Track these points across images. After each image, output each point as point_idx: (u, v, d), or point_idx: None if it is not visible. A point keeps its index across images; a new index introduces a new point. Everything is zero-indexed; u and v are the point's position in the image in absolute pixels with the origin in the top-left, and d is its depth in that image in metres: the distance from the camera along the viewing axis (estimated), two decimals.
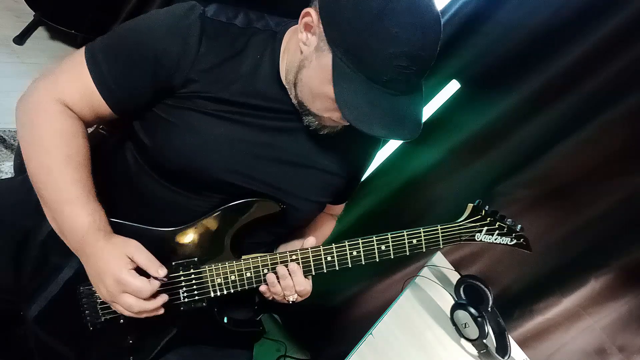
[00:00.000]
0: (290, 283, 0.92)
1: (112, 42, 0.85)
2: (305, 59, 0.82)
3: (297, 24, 0.83)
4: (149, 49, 0.82)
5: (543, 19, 1.36)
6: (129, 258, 0.82)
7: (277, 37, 0.89)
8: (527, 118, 1.45)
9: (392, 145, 1.68)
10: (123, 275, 0.80)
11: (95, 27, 2.16)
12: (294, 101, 0.87)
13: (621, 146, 1.34)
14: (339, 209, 1.21)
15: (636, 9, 1.23)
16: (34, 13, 2.18)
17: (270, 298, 0.96)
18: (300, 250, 0.92)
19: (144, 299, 0.81)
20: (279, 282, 0.92)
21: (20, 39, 2.21)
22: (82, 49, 0.85)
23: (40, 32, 2.32)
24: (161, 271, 0.83)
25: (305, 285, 0.93)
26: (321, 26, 0.77)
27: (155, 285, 0.82)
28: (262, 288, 0.94)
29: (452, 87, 1.54)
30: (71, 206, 0.81)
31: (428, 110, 1.59)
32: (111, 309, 0.86)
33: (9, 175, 1.71)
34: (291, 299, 0.94)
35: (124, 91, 0.84)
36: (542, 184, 1.47)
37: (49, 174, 0.82)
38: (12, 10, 2.31)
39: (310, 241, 0.93)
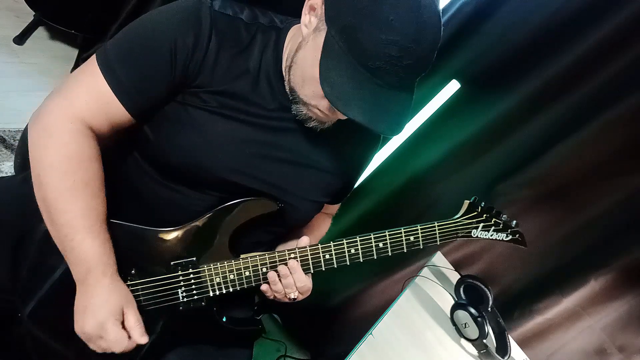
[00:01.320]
0: (291, 281, 0.92)
1: (124, 46, 0.83)
2: (304, 40, 0.82)
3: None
4: (164, 44, 0.80)
5: (543, 18, 1.36)
6: (122, 311, 0.83)
7: (282, 33, 0.89)
8: (527, 118, 1.45)
9: (391, 146, 1.68)
10: (108, 324, 0.81)
11: (95, 27, 2.15)
12: (287, 88, 0.87)
13: (621, 146, 1.34)
14: (334, 208, 1.21)
15: (636, 9, 1.23)
16: (34, 13, 2.17)
17: (272, 297, 0.96)
18: (298, 248, 0.92)
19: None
20: (280, 280, 0.92)
21: (20, 39, 2.20)
22: (92, 60, 0.83)
23: (40, 32, 2.31)
24: (143, 339, 0.84)
25: (305, 282, 0.93)
26: (324, 7, 0.77)
27: (131, 346, 0.84)
28: (264, 287, 0.94)
29: (452, 87, 1.54)
30: (83, 235, 0.79)
31: (428, 110, 1.59)
32: None
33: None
34: (292, 296, 0.94)
35: (142, 94, 0.83)
36: (542, 184, 1.47)
37: (63, 199, 0.79)
38: (12, 10, 2.31)
39: (304, 241, 0.93)
